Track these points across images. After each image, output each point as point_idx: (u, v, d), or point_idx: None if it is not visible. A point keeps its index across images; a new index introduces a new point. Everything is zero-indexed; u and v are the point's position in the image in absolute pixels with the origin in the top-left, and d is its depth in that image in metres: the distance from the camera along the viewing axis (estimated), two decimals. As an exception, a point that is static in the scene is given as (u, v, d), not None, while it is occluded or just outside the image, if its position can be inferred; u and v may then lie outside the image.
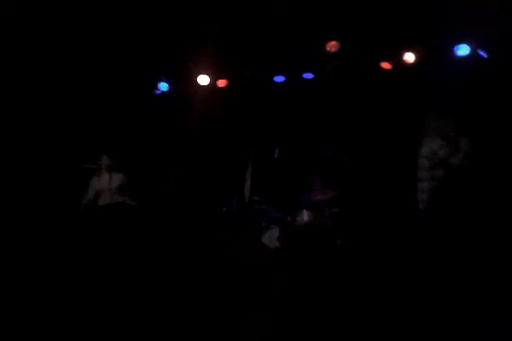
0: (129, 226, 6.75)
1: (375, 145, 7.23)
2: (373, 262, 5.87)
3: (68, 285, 5.64)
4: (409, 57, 6.78)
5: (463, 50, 6.49)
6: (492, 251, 5.80)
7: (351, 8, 6.53)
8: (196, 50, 7.34)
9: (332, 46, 6.98)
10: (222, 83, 7.84)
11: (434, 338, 4.52)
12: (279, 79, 7.69)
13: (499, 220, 6.12)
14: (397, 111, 7.14)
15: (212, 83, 7.82)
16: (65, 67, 7.49)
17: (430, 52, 6.66)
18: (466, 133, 5.96)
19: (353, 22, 6.66)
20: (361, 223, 6.69)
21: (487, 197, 6.02)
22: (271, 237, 6.92)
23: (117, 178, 7.00)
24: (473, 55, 6.42)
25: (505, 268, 5.40)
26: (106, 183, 6.97)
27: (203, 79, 7.78)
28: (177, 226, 7.21)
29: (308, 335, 4.72)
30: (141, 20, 7.00)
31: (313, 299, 5.14)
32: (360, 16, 6.58)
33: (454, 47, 6.50)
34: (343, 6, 6.53)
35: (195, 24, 6.94)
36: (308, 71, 7.53)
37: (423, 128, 6.30)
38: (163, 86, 8.05)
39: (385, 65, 6.98)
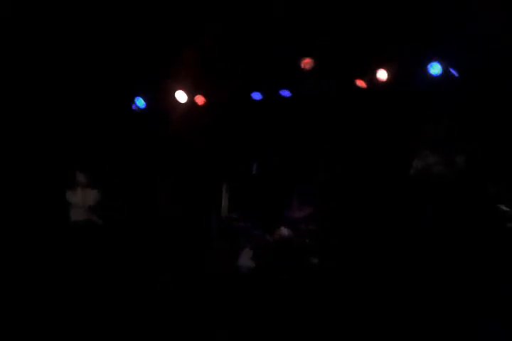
0: (100, 243, 6.82)
1: (355, 162, 7.23)
2: (353, 278, 5.90)
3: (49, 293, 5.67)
4: (382, 74, 6.82)
5: (435, 68, 6.50)
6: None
7: (325, 25, 6.58)
8: (175, 65, 7.35)
9: (306, 63, 7.01)
10: (200, 100, 7.84)
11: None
12: (256, 96, 7.70)
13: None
14: (375, 127, 7.17)
15: (190, 100, 7.82)
16: (55, 74, 7.52)
17: (403, 69, 6.70)
18: (464, 151, 6.01)
19: (328, 39, 6.70)
20: (340, 240, 6.70)
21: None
22: (250, 255, 6.91)
23: (91, 196, 7.03)
24: (445, 74, 6.46)
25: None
26: (79, 200, 6.99)
27: (181, 96, 7.79)
28: (154, 244, 7.28)
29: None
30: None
31: (289, 316, 5.15)
32: (335, 33, 6.63)
33: (426, 65, 6.53)
34: (317, 23, 6.58)
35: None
36: (285, 88, 7.52)
37: (410, 142, 6.28)
38: (140, 102, 8.02)
39: (360, 83, 7.00)
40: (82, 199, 6.98)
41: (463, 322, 4.62)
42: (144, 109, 8.03)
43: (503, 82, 6.38)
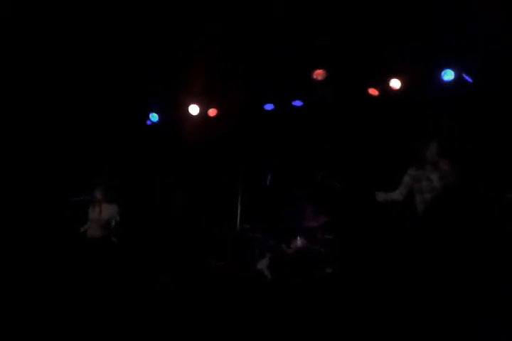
0: (111, 260, 6.86)
1: (365, 170, 7.19)
2: (366, 281, 5.92)
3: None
4: (395, 83, 6.82)
5: (448, 74, 6.52)
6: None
7: (338, 35, 6.60)
8: (186, 78, 7.39)
9: (318, 74, 7.04)
10: (212, 112, 7.90)
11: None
12: (268, 106, 7.76)
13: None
14: (386, 136, 7.16)
15: (203, 112, 7.88)
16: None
17: (416, 77, 6.70)
18: (447, 155, 6.01)
19: (340, 49, 6.72)
20: (354, 249, 6.70)
21: (484, 201, 6.06)
22: (266, 266, 6.87)
23: (107, 211, 7.06)
24: (458, 80, 6.47)
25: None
26: (97, 216, 7.04)
27: (194, 109, 7.83)
28: (169, 256, 7.30)
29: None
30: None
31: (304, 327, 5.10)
32: (347, 43, 6.65)
33: (439, 72, 6.54)
34: (329, 34, 6.59)
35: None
36: (297, 98, 7.61)
37: (412, 151, 6.24)
38: (154, 116, 8.11)
39: (372, 92, 7.02)
40: (98, 214, 7.04)
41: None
42: (157, 123, 8.13)
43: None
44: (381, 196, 6.02)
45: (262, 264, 6.88)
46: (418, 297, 5.18)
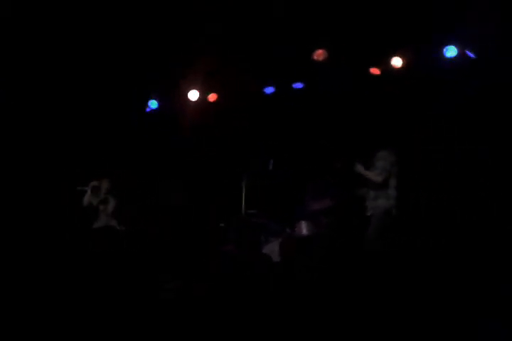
0: (120, 250, 6.88)
1: (367, 152, 7.14)
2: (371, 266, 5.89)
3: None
4: (397, 61, 6.77)
5: (450, 51, 6.48)
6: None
7: (337, 15, 6.55)
8: (186, 64, 7.37)
9: (319, 55, 6.97)
10: (212, 97, 7.86)
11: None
12: (268, 90, 7.69)
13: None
14: (389, 116, 7.09)
15: (202, 98, 7.83)
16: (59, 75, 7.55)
17: (418, 55, 6.65)
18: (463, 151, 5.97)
19: (340, 29, 6.66)
20: (357, 231, 6.67)
21: (484, 201, 6.07)
22: (272, 251, 6.87)
23: (113, 201, 7.19)
24: (461, 56, 6.42)
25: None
26: (103, 206, 7.15)
27: (193, 95, 7.80)
28: (175, 243, 7.30)
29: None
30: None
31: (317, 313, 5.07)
32: (347, 23, 6.59)
33: (441, 49, 6.48)
34: (328, 13, 6.55)
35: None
36: (297, 81, 7.51)
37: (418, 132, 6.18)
38: (153, 103, 8.08)
39: (374, 71, 6.95)
40: (104, 206, 7.17)
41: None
42: (156, 110, 8.07)
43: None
44: (360, 169, 6.01)
45: (270, 249, 6.88)
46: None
